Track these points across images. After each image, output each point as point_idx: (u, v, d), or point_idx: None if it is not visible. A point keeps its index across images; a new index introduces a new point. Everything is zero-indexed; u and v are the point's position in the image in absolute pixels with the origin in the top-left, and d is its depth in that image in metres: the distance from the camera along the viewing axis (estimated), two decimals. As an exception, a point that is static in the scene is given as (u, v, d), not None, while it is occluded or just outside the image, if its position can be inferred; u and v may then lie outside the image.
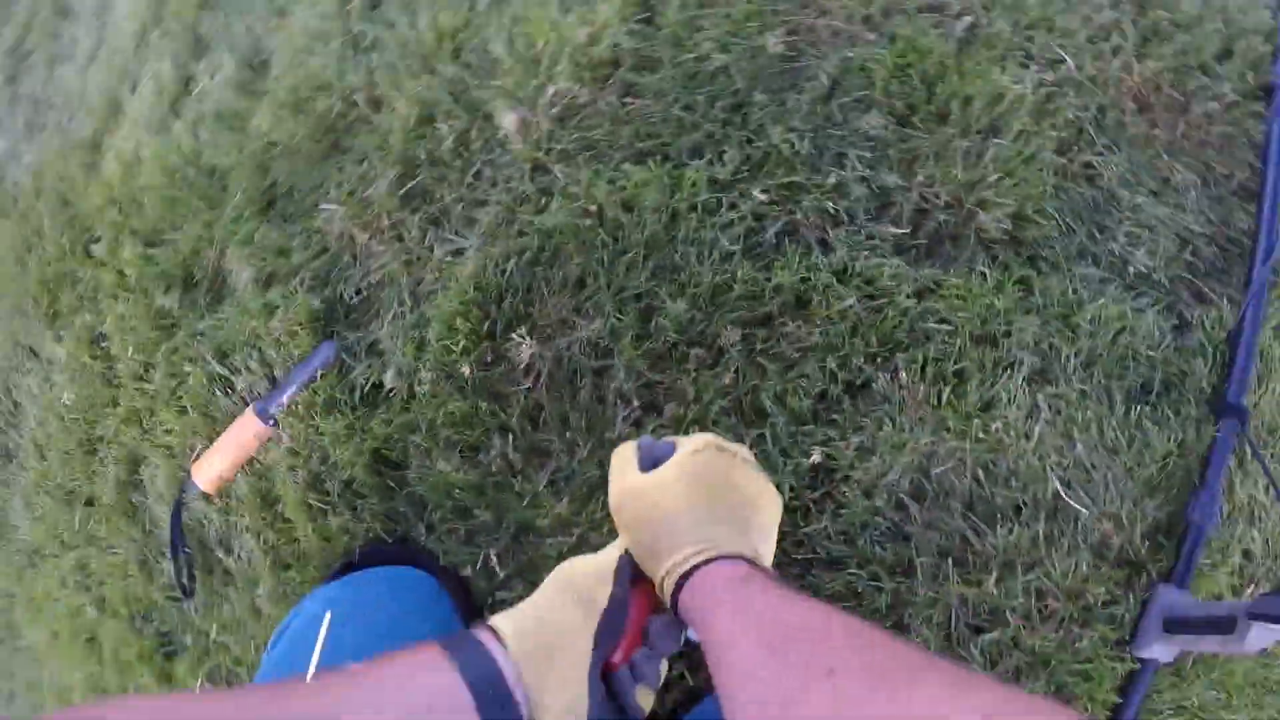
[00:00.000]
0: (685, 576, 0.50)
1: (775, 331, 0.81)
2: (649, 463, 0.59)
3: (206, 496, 0.98)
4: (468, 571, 0.86)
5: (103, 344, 1.12)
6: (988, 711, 0.29)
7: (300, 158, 0.99)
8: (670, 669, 0.63)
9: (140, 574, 1.05)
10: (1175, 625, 0.74)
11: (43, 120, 1.35)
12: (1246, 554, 0.82)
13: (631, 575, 0.56)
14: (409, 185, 0.93)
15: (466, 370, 0.85)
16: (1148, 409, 0.82)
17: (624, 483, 0.58)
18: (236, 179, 1.01)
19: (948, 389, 0.80)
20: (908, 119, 0.85)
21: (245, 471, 0.95)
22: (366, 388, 0.90)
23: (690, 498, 0.54)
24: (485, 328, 0.86)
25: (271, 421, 0.93)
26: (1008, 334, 0.81)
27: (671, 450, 0.59)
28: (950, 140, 0.84)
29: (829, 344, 0.80)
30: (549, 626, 0.50)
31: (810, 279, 0.80)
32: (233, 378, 0.97)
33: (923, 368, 0.80)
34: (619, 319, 0.82)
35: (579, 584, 0.53)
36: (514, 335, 0.85)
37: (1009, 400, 0.80)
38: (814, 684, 0.36)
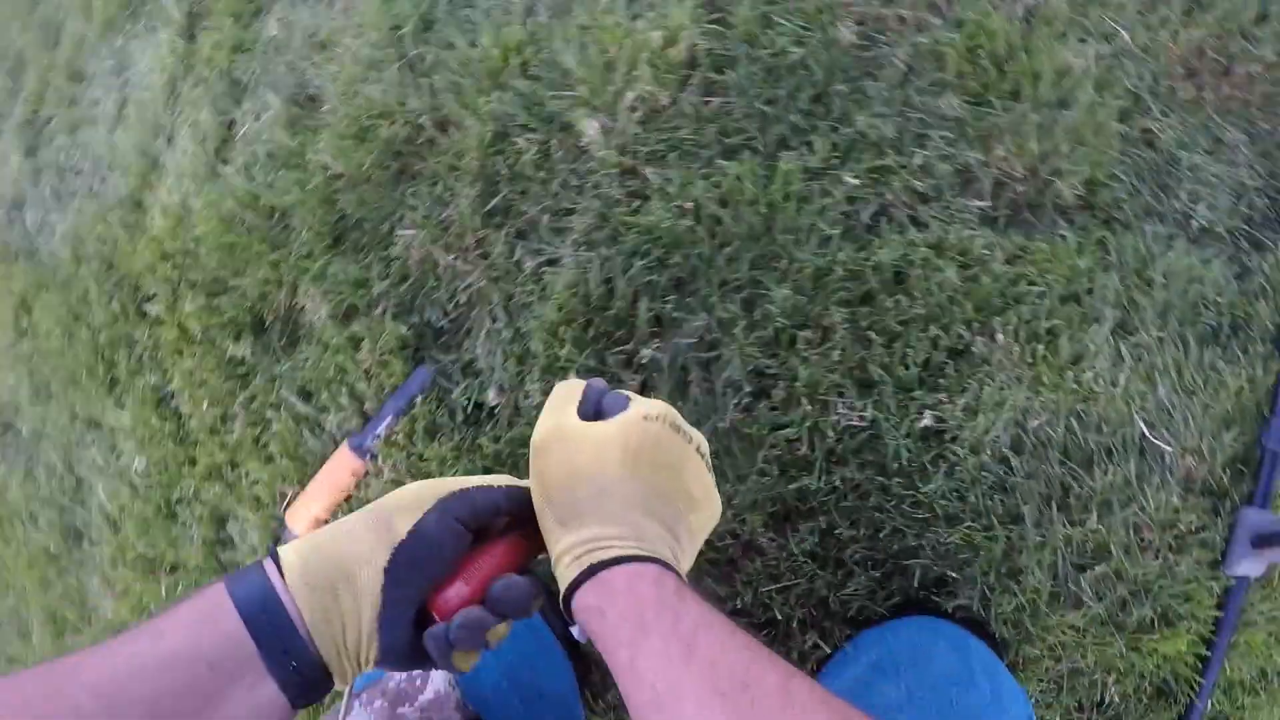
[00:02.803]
0: (598, 568, 0.42)
1: (878, 307, 0.84)
2: (592, 412, 0.50)
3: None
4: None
5: (170, 403, 1.10)
6: None
7: (369, 187, 0.99)
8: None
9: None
10: (1262, 542, 0.82)
11: (71, 187, 1.31)
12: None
13: (511, 518, 0.48)
14: (491, 202, 0.93)
15: (574, 377, 0.86)
16: (1219, 350, 0.88)
17: (557, 423, 0.48)
18: (301, 216, 1.00)
19: (1041, 346, 0.85)
20: (982, 97, 0.89)
21: (343, 510, 0.94)
22: (468, 408, 0.90)
23: (626, 469, 0.45)
24: (590, 333, 0.87)
25: (369, 456, 0.92)
26: (1090, 291, 0.86)
27: (622, 405, 0.49)
28: (1024, 116, 0.89)
29: (930, 314, 0.84)
30: (332, 555, 0.42)
31: (909, 255, 0.83)
32: (320, 417, 0.96)
33: (1016, 329, 0.85)
34: (726, 310, 0.84)
35: (384, 507, 0.45)
36: (618, 335, 0.86)
37: (1095, 352, 0.85)
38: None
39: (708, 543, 0.72)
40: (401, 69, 1.03)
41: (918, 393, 0.83)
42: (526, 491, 0.48)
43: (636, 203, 0.89)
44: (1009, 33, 0.91)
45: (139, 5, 1.37)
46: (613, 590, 0.41)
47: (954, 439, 0.82)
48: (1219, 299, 0.89)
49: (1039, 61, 0.90)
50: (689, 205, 0.86)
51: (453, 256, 0.94)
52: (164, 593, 1.11)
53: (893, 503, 0.82)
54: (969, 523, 0.82)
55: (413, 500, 0.45)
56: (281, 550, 0.43)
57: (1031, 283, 0.85)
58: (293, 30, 1.13)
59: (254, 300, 1.03)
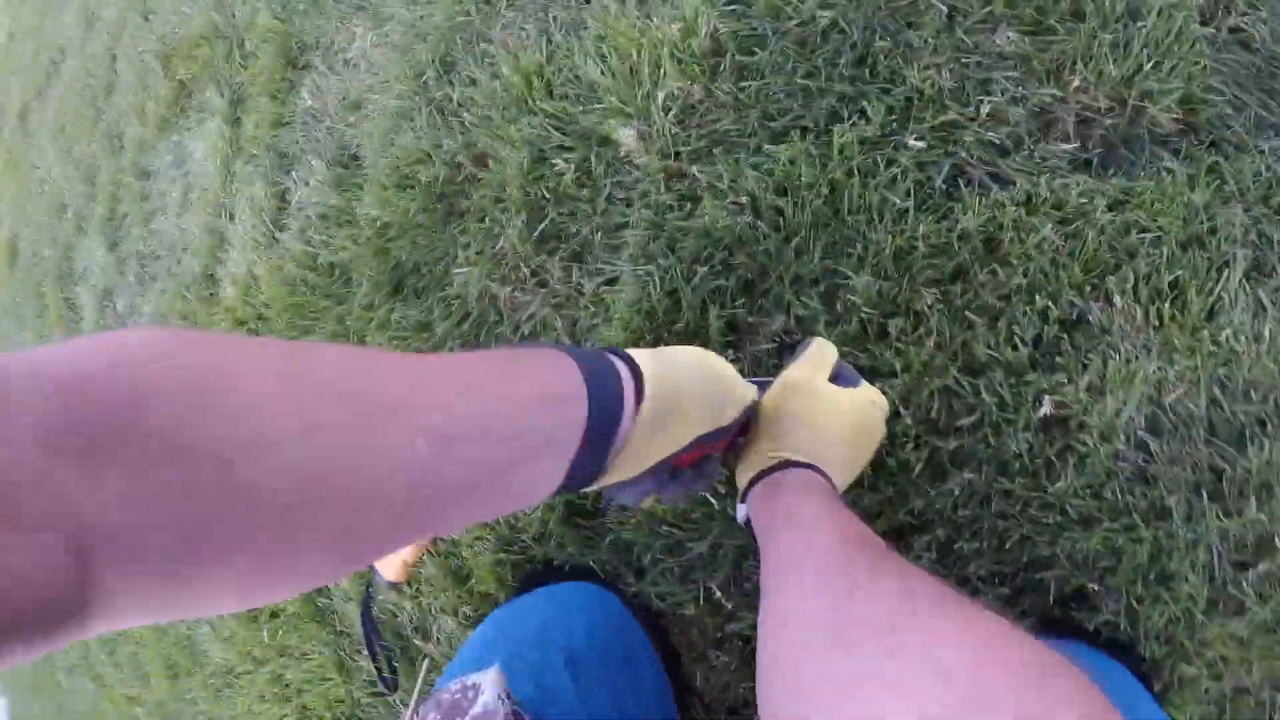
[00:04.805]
0: (787, 465, 0.54)
1: (972, 282, 0.76)
2: (831, 375, 0.62)
3: (395, 586, 0.96)
4: (690, 610, 0.82)
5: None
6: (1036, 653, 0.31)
7: (418, 232, 0.97)
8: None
9: (339, 676, 1.04)
10: None
11: (153, 272, 1.38)
12: None
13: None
14: (540, 228, 0.90)
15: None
16: (1378, 274, 0.76)
17: (812, 381, 0.60)
18: (358, 269, 1.00)
19: (1166, 304, 0.75)
20: (1042, 24, 0.80)
21: (430, 552, 0.93)
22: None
23: (845, 434, 0.57)
24: (660, 350, 0.82)
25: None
26: (1213, 230, 0.76)
27: (852, 379, 0.62)
28: (1093, 36, 0.79)
29: (1033, 283, 0.75)
30: (675, 407, 0.49)
31: (997, 217, 0.76)
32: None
33: (1135, 287, 0.75)
34: (804, 307, 0.78)
35: (719, 391, 0.53)
36: (691, 350, 0.81)
37: (1231, 303, 0.75)
38: (884, 571, 0.39)
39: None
40: (431, 113, 1.01)
41: (1031, 376, 0.74)
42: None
43: (689, 206, 0.84)
44: (1063, -52, 0.82)
45: (186, 102, 1.42)
46: (793, 475, 0.53)
47: (1081, 426, 0.73)
48: (1366, 212, 0.78)
49: (1102, -29, 0.81)
50: (744, 199, 0.81)
51: (510, 288, 0.91)
52: (266, 637, 1.12)
53: (1018, 508, 0.73)
54: (1108, 523, 0.72)
55: (733, 392, 0.55)
56: (643, 365, 0.47)
57: (1144, 230, 0.75)
58: (325, 97, 1.13)
59: (323, 359, 1.03)
